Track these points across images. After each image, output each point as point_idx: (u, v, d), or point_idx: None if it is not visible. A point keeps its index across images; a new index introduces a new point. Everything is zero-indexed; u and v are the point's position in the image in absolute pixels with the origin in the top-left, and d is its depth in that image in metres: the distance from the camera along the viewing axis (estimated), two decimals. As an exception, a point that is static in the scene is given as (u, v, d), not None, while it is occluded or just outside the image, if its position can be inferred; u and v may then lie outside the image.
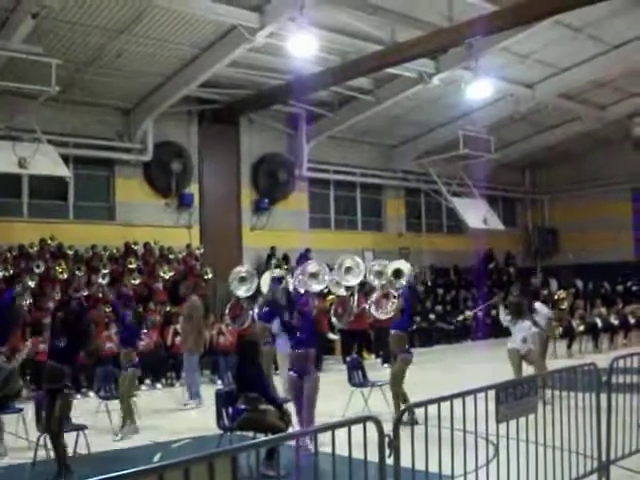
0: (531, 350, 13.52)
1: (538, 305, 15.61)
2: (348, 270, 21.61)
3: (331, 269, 21.79)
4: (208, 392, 12.39)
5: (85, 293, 19.75)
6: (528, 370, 13.17)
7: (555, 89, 26.40)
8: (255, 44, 19.56)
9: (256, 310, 18.07)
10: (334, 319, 21.15)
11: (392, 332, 12.94)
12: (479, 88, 23.60)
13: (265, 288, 19.40)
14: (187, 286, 17.10)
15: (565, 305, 22.99)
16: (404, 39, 20.72)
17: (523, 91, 26.23)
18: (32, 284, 19.05)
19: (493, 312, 29.65)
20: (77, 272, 20.26)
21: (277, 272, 20.34)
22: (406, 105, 26.37)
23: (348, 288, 21.42)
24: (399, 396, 12.24)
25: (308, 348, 10.86)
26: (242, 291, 19.72)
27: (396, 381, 12.47)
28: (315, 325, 11.56)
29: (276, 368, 15.88)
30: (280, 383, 13.72)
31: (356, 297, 21.49)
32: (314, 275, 20.88)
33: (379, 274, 21.98)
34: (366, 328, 22.23)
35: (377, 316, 20.57)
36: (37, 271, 19.48)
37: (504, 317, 13.96)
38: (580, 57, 24.33)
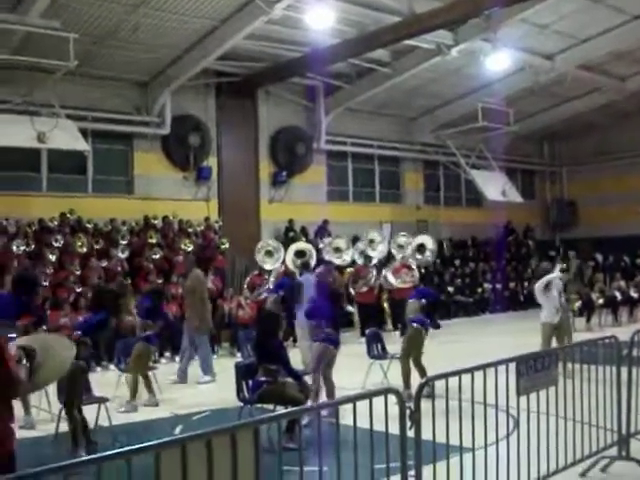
0: (563, 318, 13.56)
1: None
2: (371, 242, 21.91)
3: (354, 242, 22.06)
4: (227, 365, 12.45)
5: (104, 264, 19.98)
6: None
7: (574, 60, 26.16)
8: (273, 16, 19.45)
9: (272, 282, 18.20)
10: (350, 287, 21.38)
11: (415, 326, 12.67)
12: (498, 60, 23.52)
13: (289, 261, 19.58)
14: (189, 260, 17.10)
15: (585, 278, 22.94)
16: (422, 10, 20.58)
17: (542, 62, 26.01)
18: (53, 258, 19.21)
19: (512, 285, 29.79)
20: (96, 246, 20.40)
21: (302, 246, 20.45)
22: (424, 77, 26.21)
23: (367, 258, 21.67)
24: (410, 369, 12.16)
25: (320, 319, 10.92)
26: (269, 264, 19.88)
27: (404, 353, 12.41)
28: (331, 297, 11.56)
29: (294, 340, 16.00)
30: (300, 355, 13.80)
31: (374, 272, 21.72)
32: (338, 250, 21.14)
33: (401, 247, 22.24)
34: (376, 302, 22.35)
35: (394, 282, 20.77)
36: (56, 245, 19.60)
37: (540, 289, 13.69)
38: (600, 28, 24.08)
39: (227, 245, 22.91)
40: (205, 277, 20.65)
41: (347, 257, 21.66)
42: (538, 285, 13.77)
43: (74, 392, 9.20)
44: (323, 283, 12.19)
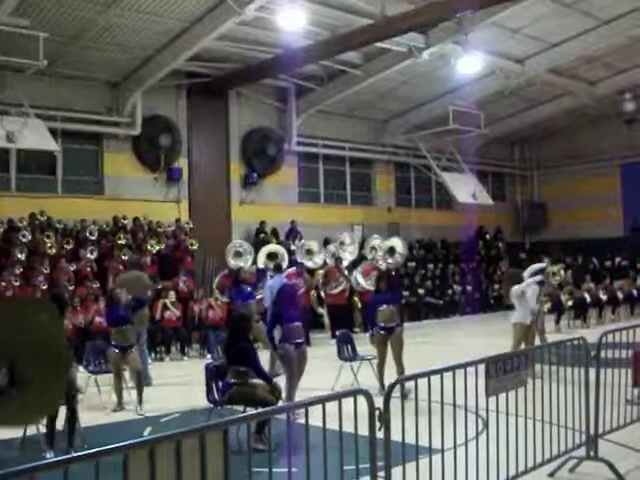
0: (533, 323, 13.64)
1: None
2: (342, 244, 21.90)
3: (325, 243, 22.05)
4: (197, 366, 12.40)
5: (73, 268, 19.85)
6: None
7: (545, 64, 26.31)
8: (244, 17, 19.40)
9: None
10: (321, 291, 21.37)
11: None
12: (469, 63, 23.59)
13: (261, 263, 19.59)
14: (131, 261, 17.06)
15: (558, 279, 23.07)
16: (394, 13, 20.62)
17: (513, 66, 26.14)
18: (22, 257, 19.04)
19: (482, 287, 29.92)
20: (66, 246, 20.28)
21: (274, 248, 20.49)
22: (396, 79, 26.27)
23: (337, 259, 21.68)
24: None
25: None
26: (241, 264, 19.78)
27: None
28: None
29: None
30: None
31: (345, 272, 21.76)
32: (310, 252, 21.13)
33: (374, 249, 22.28)
34: (348, 302, 22.40)
35: (364, 284, 20.85)
36: (24, 240, 19.40)
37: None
38: (570, 32, 24.23)
39: (196, 247, 22.82)
40: (176, 278, 20.69)
41: (319, 260, 21.64)
42: (515, 290, 13.74)
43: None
44: (291, 291, 12.11)
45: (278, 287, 13.32)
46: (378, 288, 13.34)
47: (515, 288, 13.70)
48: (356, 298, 22.76)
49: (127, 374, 12.98)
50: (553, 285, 22.15)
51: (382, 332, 12.67)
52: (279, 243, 23.36)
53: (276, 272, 16.90)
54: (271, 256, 20.15)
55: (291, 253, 21.74)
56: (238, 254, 20.18)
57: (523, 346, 13.22)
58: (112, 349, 12.50)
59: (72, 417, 9.25)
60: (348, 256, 22.19)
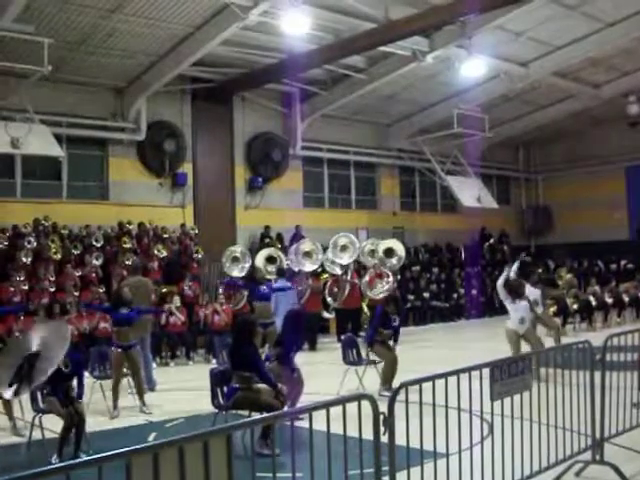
0: (529, 330, 13.50)
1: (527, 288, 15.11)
2: (343, 248, 21.73)
3: (325, 248, 21.92)
4: (202, 371, 12.39)
5: (79, 273, 19.86)
6: (525, 349, 13.14)
7: (549, 67, 26.28)
8: (248, 22, 19.44)
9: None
10: (329, 298, 21.28)
11: None
12: (473, 66, 23.58)
13: (261, 268, 19.53)
14: (133, 265, 17.10)
15: (564, 282, 23.01)
16: (397, 16, 20.63)
17: (517, 69, 26.12)
18: (27, 260, 19.05)
19: (487, 290, 29.84)
20: (73, 250, 20.30)
21: (271, 252, 20.46)
22: (400, 83, 26.27)
23: (342, 266, 21.55)
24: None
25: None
26: (236, 271, 19.84)
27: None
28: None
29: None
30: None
31: (349, 275, 21.70)
32: (308, 254, 21.00)
33: (372, 252, 22.10)
34: (359, 306, 22.30)
35: (371, 296, 20.77)
36: (29, 247, 19.41)
37: (503, 293, 13.70)
38: (574, 35, 24.20)
39: (200, 255, 22.72)
40: (182, 283, 20.68)
41: (317, 261, 21.42)
42: (499, 283, 13.74)
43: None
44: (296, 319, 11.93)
45: (280, 290, 13.41)
46: (386, 311, 13.32)
47: (498, 283, 13.75)
48: (363, 304, 22.64)
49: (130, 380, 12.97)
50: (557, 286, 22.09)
51: (383, 343, 13.13)
52: (283, 248, 23.33)
53: (280, 276, 16.92)
54: (270, 260, 20.20)
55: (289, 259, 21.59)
56: (235, 259, 20.18)
57: (528, 349, 13.17)
58: (114, 349, 12.48)
59: (79, 423, 9.25)
60: (347, 259, 21.89)
